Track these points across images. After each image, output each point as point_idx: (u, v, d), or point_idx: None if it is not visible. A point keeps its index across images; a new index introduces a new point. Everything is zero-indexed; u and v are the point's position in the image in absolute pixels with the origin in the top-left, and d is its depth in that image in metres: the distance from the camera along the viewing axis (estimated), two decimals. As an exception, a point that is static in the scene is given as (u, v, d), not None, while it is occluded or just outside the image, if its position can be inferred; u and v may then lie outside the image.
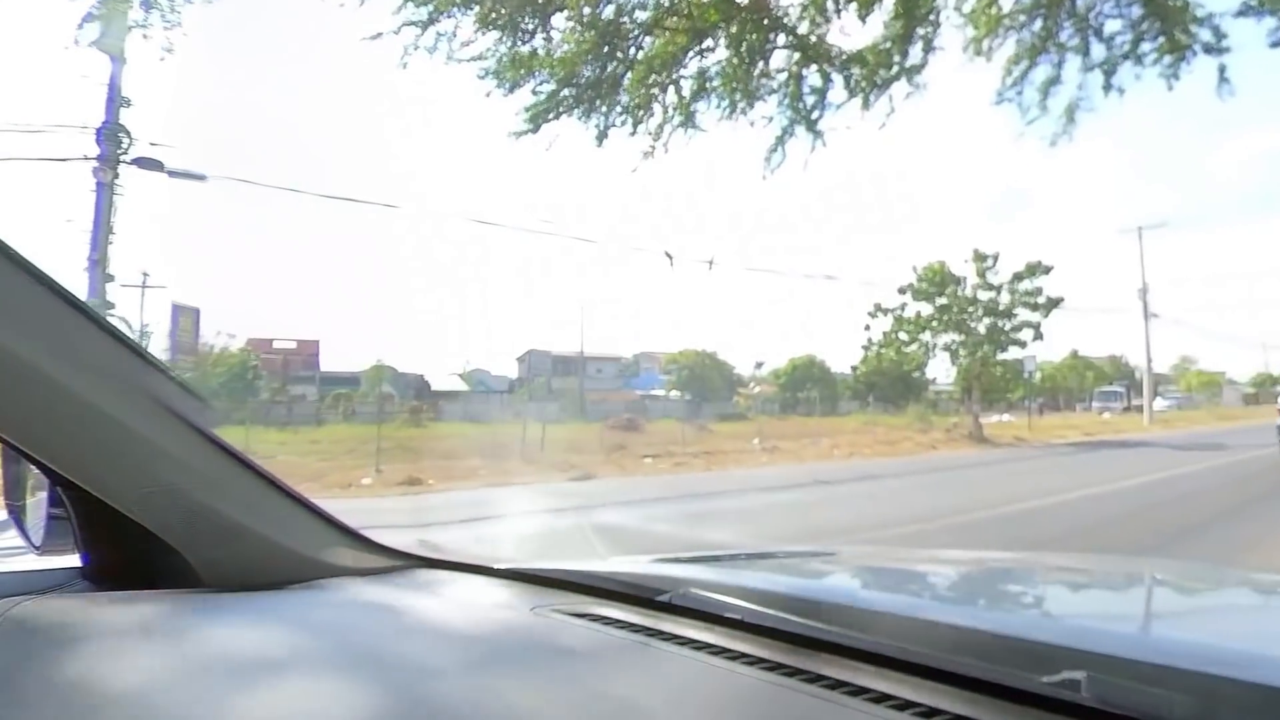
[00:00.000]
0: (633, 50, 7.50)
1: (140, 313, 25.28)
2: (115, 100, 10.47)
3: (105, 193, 10.45)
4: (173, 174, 10.92)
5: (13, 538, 1.08)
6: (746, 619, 0.77)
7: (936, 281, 23.34)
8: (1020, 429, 24.70)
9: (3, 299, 0.73)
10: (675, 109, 8.07)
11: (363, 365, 31.24)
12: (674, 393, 32.16)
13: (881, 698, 0.60)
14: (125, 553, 0.94)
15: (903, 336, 24.14)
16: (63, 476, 0.87)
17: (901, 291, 23.76)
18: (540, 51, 7.21)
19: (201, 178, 11.20)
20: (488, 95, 7.48)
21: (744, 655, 0.72)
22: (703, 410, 28.84)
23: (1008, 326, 23.40)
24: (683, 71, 7.91)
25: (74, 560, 1.00)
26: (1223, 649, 0.60)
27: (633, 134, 7.92)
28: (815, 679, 0.65)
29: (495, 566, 1.09)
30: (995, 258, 23.24)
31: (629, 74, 7.60)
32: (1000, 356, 24.19)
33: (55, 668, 0.68)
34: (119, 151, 10.52)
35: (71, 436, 0.80)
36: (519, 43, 7.08)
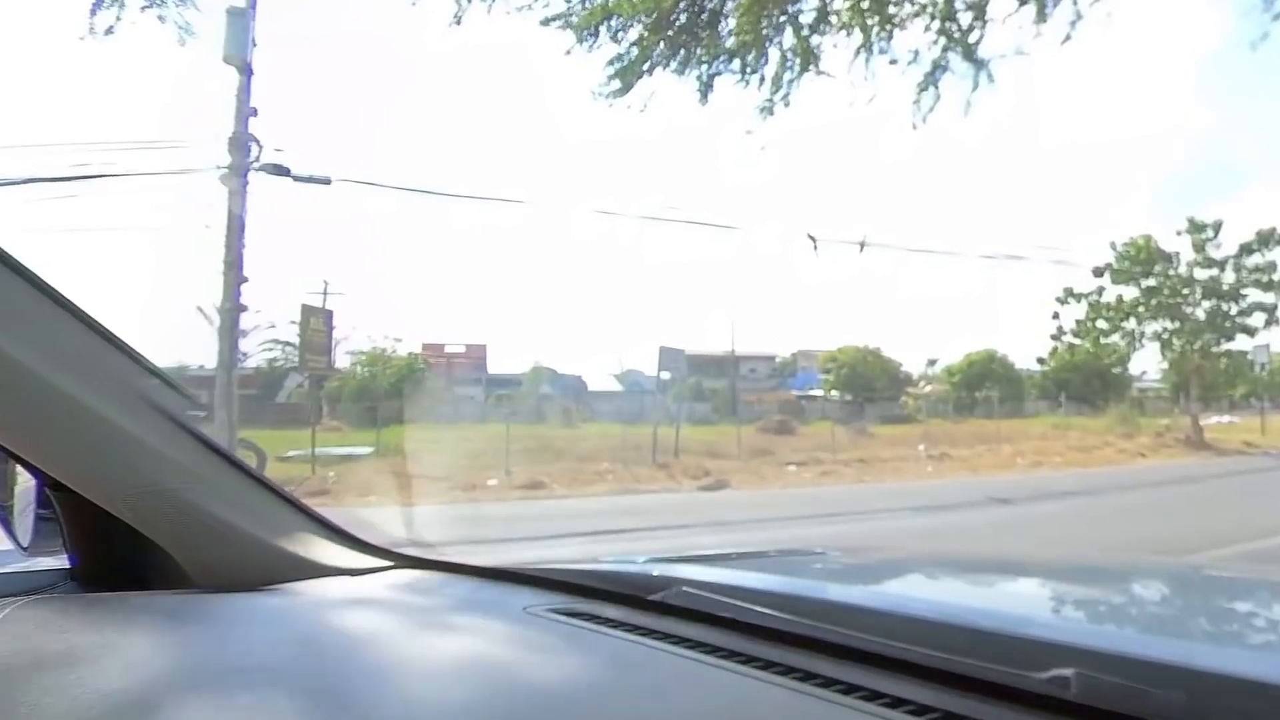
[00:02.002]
0: (732, -22, 6.06)
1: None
2: (244, 110, 10.47)
3: (236, 199, 10.45)
4: (298, 179, 10.80)
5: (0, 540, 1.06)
6: (739, 618, 0.75)
7: (1142, 259, 19.67)
8: (1249, 432, 20.40)
9: None
10: (794, 51, 6.52)
11: (527, 367, 31.66)
12: (833, 393, 29.92)
13: (873, 695, 0.59)
14: (114, 554, 0.92)
15: (1101, 325, 20.63)
16: (50, 477, 0.87)
17: (1098, 273, 20.25)
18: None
19: (326, 181, 11.03)
20: (568, 53, 6.33)
21: (737, 654, 0.70)
22: (865, 412, 26.49)
23: (1234, 310, 19.29)
24: (800, 4, 6.35)
25: (62, 562, 0.98)
26: (1213, 646, 0.61)
27: (742, 83, 6.44)
28: (808, 677, 0.63)
29: (487, 566, 1.08)
30: (1216, 227, 19.22)
31: (730, 9, 6.15)
32: (1224, 346, 20.01)
33: (45, 670, 0.65)
34: (249, 160, 10.49)
35: (59, 437, 0.79)
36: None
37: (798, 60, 6.47)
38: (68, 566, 0.97)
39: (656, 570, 0.94)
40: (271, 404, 25.80)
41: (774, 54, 6.46)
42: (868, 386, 29.70)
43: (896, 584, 1.07)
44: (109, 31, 5.29)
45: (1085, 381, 27.42)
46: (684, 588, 0.81)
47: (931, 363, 34.86)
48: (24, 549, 0.99)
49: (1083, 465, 14.25)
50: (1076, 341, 21.92)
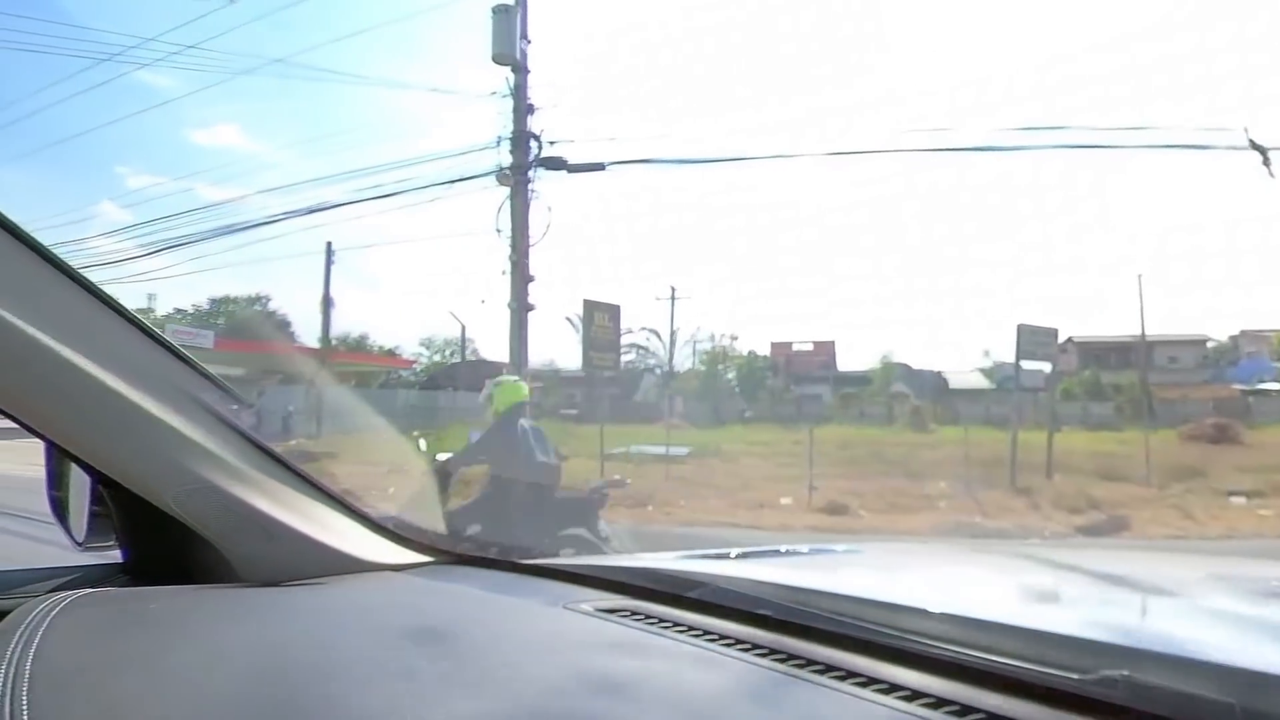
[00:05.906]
0: None
1: (670, 322, 27.37)
2: (521, 108, 9.76)
3: (518, 198, 9.79)
4: (573, 169, 9.80)
5: (57, 534, 1.08)
6: (778, 615, 0.74)
7: None
8: None
9: (46, 304, 0.73)
10: None
11: (877, 362, 28.39)
12: (1302, 386, 21.06)
13: (915, 695, 0.58)
14: (164, 549, 0.93)
15: None
16: (103, 475, 0.88)
17: None
18: None
19: (600, 167, 9.87)
20: None
21: (776, 651, 0.69)
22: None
23: None
24: None
25: (115, 556, 1.00)
26: (1268, 649, 0.58)
27: None
28: (848, 675, 0.62)
29: (526, 562, 1.06)
30: None
31: None
32: None
33: (99, 662, 0.66)
34: (530, 158, 9.76)
35: (112, 436, 0.81)
36: None
37: None
38: (120, 561, 0.99)
39: (694, 567, 0.92)
40: (630, 402, 26.72)
41: None
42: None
43: (939, 582, 1.03)
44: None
45: None
46: (722, 584, 0.80)
47: None
48: (79, 544, 1.00)
49: None
50: None
